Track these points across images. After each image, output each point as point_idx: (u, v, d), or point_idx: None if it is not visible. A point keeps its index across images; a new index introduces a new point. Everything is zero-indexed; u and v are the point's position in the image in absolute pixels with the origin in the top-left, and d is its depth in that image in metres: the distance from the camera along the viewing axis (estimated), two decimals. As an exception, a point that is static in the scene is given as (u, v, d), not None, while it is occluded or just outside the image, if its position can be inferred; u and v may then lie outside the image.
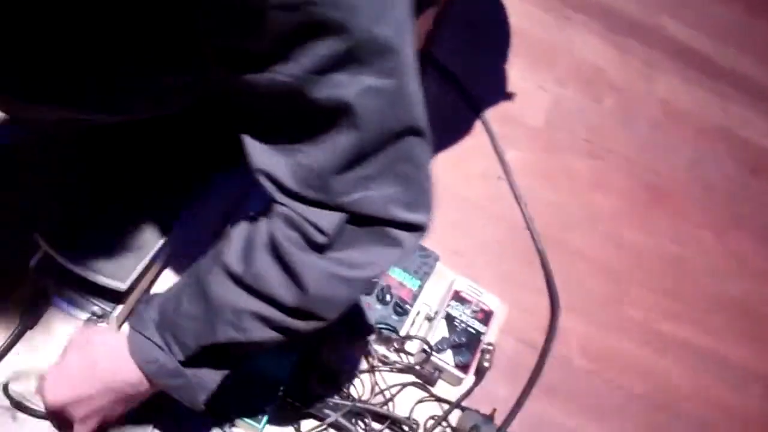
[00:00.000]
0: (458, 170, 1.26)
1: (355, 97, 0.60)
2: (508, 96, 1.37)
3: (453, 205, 1.22)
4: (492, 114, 1.34)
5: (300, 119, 0.63)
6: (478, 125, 1.32)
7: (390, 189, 0.65)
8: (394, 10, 0.60)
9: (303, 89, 0.60)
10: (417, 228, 0.68)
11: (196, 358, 0.74)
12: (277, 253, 0.67)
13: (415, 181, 0.67)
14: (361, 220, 0.66)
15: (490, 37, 1.42)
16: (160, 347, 0.74)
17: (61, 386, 0.80)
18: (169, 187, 1.01)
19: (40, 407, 0.88)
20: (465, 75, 1.34)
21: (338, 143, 0.62)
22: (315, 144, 0.63)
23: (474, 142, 1.30)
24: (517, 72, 1.41)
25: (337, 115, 0.61)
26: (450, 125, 1.29)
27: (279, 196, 0.66)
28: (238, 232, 0.71)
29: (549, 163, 1.35)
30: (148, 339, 0.74)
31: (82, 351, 0.81)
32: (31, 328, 0.98)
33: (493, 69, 1.38)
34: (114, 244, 0.94)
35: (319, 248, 0.67)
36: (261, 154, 0.66)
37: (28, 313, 0.97)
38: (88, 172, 0.99)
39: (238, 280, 0.69)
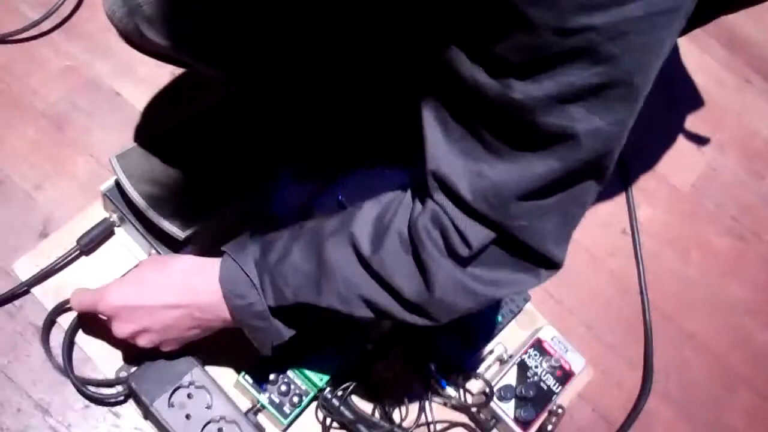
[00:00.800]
0: (581, 212, 1.15)
1: (584, 134, 0.57)
2: (657, 147, 1.25)
3: (564, 247, 1.11)
4: (635, 161, 1.22)
5: (507, 131, 0.59)
6: (615, 169, 1.20)
7: (552, 224, 0.63)
8: (658, 60, 0.56)
9: (532, 110, 0.56)
10: (556, 265, 0.66)
11: (285, 310, 0.72)
12: (413, 246, 0.65)
13: (573, 222, 0.65)
14: (512, 245, 0.64)
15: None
16: (254, 286, 0.71)
17: (126, 289, 0.77)
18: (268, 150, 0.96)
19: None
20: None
21: (537, 169, 0.59)
22: (510, 160, 0.60)
23: (607, 187, 1.18)
24: (675, 124, 1.28)
25: (554, 141, 0.58)
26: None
27: (438, 195, 0.63)
28: (372, 207, 0.69)
29: (684, 231, 1.21)
30: (246, 274, 0.72)
31: (158, 263, 0.79)
32: (86, 254, 0.95)
33: (650, 113, 1.26)
34: (186, 191, 0.89)
35: (458, 258, 0.64)
36: (441, 153, 0.62)
37: (88, 238, 0.94)
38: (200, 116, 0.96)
39: (362, 259, 0.67)
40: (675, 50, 1.32)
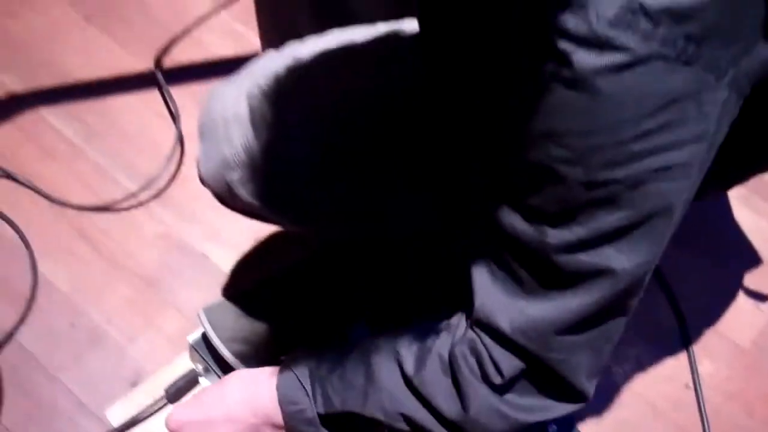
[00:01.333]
0: (644, 366, 1.19)
1: (613, 272, 0.64)
2: (716, 304, 1.29)
3: (628, 400, 1.14)
4: (694, 317, 1.26)
5: (543, 271, 0.66)
6: (675, 324, 1.25)
7: (586, 359, 0.69)
8: (680, 201, 0.63)
9: (565, 252, 0.64)
10: (585, 399, 0.71)
11: (332, 417, 0.78)
12: (452, 369, 0.72)
13: (603, 357, 0.70)
14: (546, 376, 0.70)
15: (712, 235, 1.35)
16: (307, 393, 0.78)
17: (186, 408, 0.85)
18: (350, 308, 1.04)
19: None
20: (671, 269, 1.27)
21: (571, 305, 0.66)
22: (548, 298, 0.67)
23: (667, 342, 1.22)
24: (733, 282, 1.33)
25: (586, 280, 0.65)
26: (645, 318, 1.23)
27: (477, 327, 0.70)
28: (418, 329, 0.76)
29: (748, 386, 1.23)
30: (300, 382, 0.79)
31: (216, 384, 0.86)
32: (172, 402, 1.02)
33: (706, 270, 1.31)
34: (269, 343, 0.97)
35: (492, 384, 0.70)
36: (485, 292, 0.69)
37: (174, 388, 1.01)
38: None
39: (405, 377, 0.74)
40: (728, 211, 1.38)
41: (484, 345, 0.70)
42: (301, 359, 0.81)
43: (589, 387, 0.71)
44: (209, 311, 0.99)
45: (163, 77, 1.31)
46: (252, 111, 0.86)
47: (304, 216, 0.90)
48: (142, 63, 1.33)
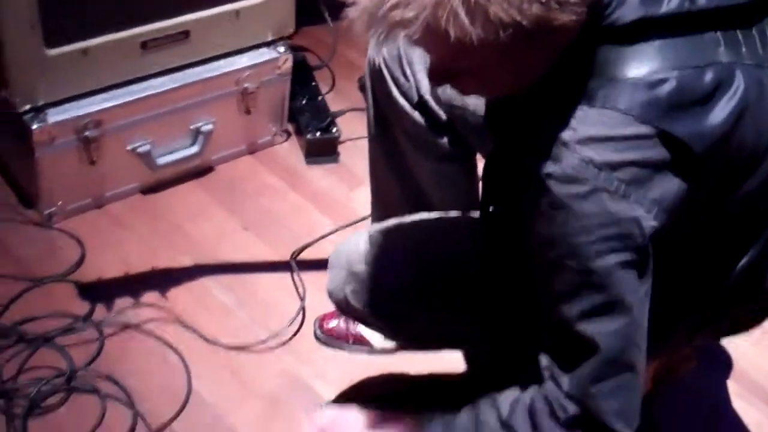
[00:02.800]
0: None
1: (602, 335, 1.01)
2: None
3: None
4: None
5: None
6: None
7: (617, 404, 1.02)
8: (643, 285, 1.03)
9: (572, 323, 1.02)
10: None
11: None
12: (532, 414, 1.06)
13: (629, 404, 1.03)
14: (590, 418, 1.03)
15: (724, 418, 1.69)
16: None
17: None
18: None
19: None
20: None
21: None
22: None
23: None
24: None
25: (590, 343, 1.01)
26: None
27: (548, 383, 1.05)
28: (514, 389, 1.11)
29: None
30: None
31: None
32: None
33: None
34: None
35: (558, 420, 1.04)
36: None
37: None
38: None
39: (501, 419, 1.08)
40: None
41: (554, 395, 1.03)
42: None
43: (621, 428, 1.01)
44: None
45: (296, 266, 1.81)
46: (368, 250, 1.33)
47: (399, 326, 1.34)
48: (282, 256, 1.84)
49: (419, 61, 1.43)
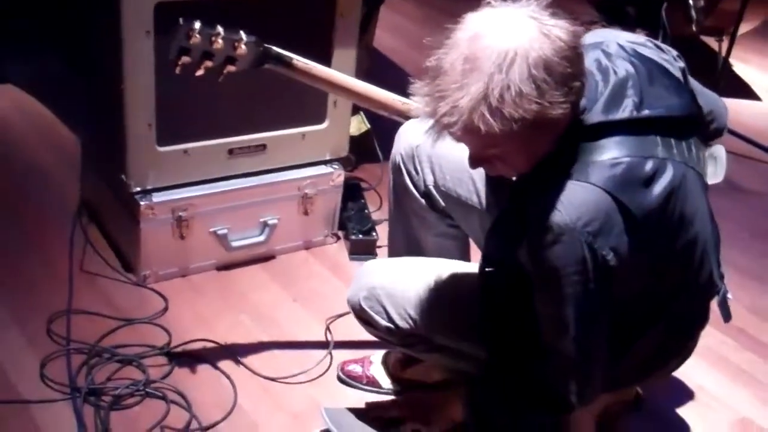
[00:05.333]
0: None
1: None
2: None
3: None
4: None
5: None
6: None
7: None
8: (599, 298, 1.54)
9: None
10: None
11: None
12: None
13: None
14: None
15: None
16: None
17: None
18: None
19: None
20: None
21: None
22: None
23: None
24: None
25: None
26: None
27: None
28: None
29: None
30: None
31: None
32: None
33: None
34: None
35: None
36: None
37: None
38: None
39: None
40: None
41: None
42: None
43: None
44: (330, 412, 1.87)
45: (329, 328, 2.32)
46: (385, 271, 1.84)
47: (403, 339, 1.83)
48: (320, 321, 2.35)
49: (426, 160, 1.99)
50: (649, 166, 1.48)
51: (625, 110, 1.50)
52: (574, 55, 1.41)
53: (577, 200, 1.45)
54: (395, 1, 4.20)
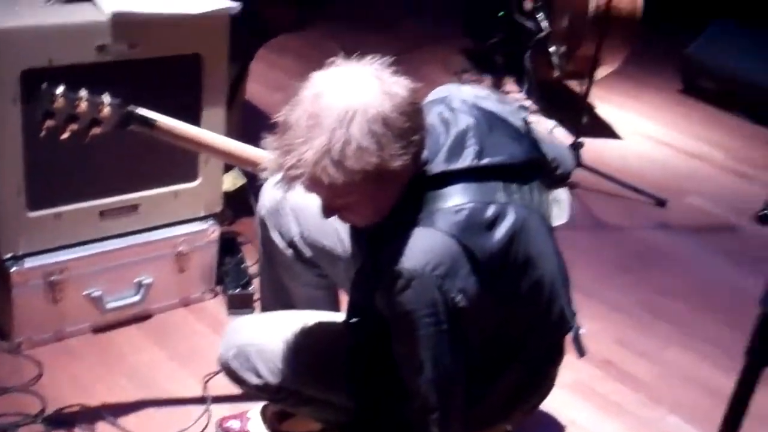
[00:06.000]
0: None
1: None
2: None
3: None
4: None
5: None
6: None
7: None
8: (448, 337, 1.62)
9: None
10: None
11: None
12: None
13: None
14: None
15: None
16: None
17: None
18: None
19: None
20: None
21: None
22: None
23: None
24: None
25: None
26: None
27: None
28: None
29: None
30: None
31: None
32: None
33: None
34: None
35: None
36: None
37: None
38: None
39: None
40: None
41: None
42: None
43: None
44: None
45: (206, 386, 2.34)
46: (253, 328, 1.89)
47: (274, 394, 1.87)
48: (198, 379, 2.37)
49: (290, 213, 2.06)
50: (491, 210, 1.59)
51: (466, 159, 1.61)
52: (412, 110, 1.53)
53: (425, 246, 1.54)
54: (274, 57, 4.30)
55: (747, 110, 4.60)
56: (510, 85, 4.60)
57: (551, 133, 4.10)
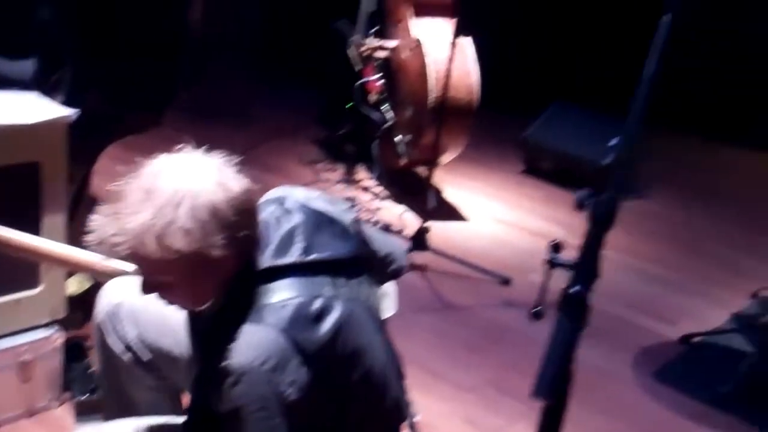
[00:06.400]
0: None
1: None
2: None
3: None
4: None
5: None
6: None
7: None
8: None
9: None
10: None
11: None
12: None
13: None
14: None
15: None
16: None
17: None
18: None
19: None
20: None
21: None
22: None
23: None
24: None
25: None
26: None
27: None
28: None
29: None
30: None
31: None
32: None
33: None
34: None
35: None
36: None
37: None
38: None
39: None
40: None
41: None
42: None
43: None
44: None
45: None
46: None
47: None
48: None
49: (127, 316, 2.08)
50: (317, 304, 1.67)
51: (293, 255, 1.70)
52: (244, 208, 1.62)
53: (254, 342, 1.61)
54: (120, 152, 4.29)
55: (582, 186, 4.86)
56: (362, 172, 4.75)
57: (401, 217, 4.26)
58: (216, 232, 1.58)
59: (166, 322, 1.93)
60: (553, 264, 1.34)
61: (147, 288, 1.69)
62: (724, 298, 3.93)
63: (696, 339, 3.52)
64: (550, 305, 1.45)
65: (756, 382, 3.09)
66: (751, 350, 3.32)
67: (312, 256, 1.71)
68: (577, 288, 1.29)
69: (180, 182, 1.58)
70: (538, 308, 1.54)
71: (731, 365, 3.23)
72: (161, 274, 1.62)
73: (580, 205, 1.34)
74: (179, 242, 1.55)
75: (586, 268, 1.30)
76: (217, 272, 1.64)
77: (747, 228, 4.71)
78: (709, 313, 3.79)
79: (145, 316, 2.04)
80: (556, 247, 1.37)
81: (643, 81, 1.37)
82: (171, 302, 1.75)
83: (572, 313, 1.29)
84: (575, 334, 1.29)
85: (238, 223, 1.60)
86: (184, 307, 1.78)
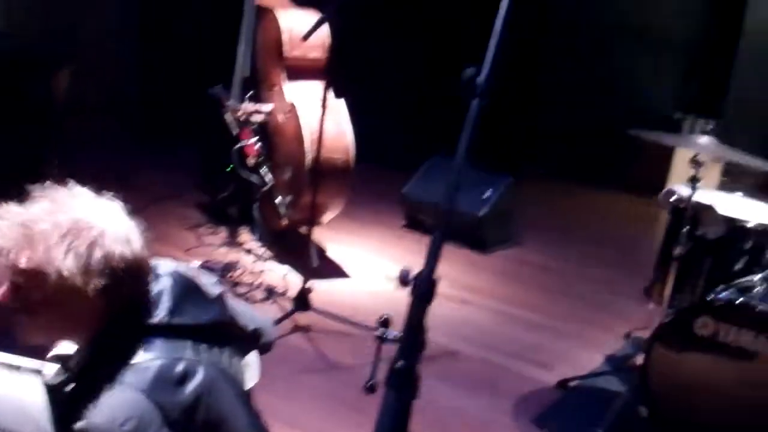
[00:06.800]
0: None
1: None
2: None
3: None
4: None
5: None
6: None
7: None
8: None
9: None
10: None
11: None
12: None
13: None
14: None
15: None
16: None
17: None
18: None
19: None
20: None
21: None
22: None
23: None
24: None
25: None
26: None
27: None
28: None
29: None
30: None
31: None
32: None
33: None
34: None
35: None
36: None
37: None
38: None
39: None
40: None
41: None
42: None
43: None
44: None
45: None
46: None
47: None
48: None
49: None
50: (180, 367, 1.70)
51: (158, 317, 1.74)
52: (134, 268, 1.69)
53: (115, 402, 1.62)
54: None
55: (459, 238, 5.00)
56: (244, 235, 4.76)
57: (285, 278, 4.28)
58: (100, 276, 1.63)
59: (25, 411, 1.90)
60: (382, 339, 1.38)
61: (13, 303, 1.69)
62: (600, 340, 4.08)
63: (572, 383, 3.64)
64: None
65: (627, 421, 3.21)
66: (624, 391, 3.45)
67: (175, 320, 1.75)
68: (401, 363, 1.33)
69: (95, 215, 1.65)
70: (371, 382, 1.56)
71: (606, 407, 3.34)
72: (32, 288, 1.64)
73: (403, 282, 1.41)
74: (63, 263, 1.59)
75: (411, 342, 1.35)
76: (83, 314, 1.68)
77: (622, 270, 4.90)
78: (586, 355, 3.94)
79: (4, 406, 2.00)
80: (385, 322, 1.41)
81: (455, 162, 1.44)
82: (27, 337, 1.74)
83: (400, 386, 1.33)
84: (405, 406, 1.33)
85: (123, 279, 1.66)
86: (37, 341, 1.78)
